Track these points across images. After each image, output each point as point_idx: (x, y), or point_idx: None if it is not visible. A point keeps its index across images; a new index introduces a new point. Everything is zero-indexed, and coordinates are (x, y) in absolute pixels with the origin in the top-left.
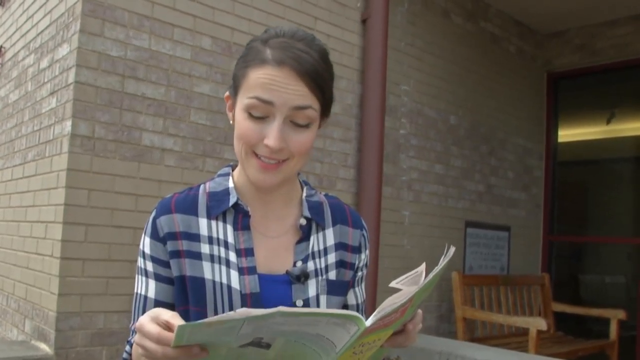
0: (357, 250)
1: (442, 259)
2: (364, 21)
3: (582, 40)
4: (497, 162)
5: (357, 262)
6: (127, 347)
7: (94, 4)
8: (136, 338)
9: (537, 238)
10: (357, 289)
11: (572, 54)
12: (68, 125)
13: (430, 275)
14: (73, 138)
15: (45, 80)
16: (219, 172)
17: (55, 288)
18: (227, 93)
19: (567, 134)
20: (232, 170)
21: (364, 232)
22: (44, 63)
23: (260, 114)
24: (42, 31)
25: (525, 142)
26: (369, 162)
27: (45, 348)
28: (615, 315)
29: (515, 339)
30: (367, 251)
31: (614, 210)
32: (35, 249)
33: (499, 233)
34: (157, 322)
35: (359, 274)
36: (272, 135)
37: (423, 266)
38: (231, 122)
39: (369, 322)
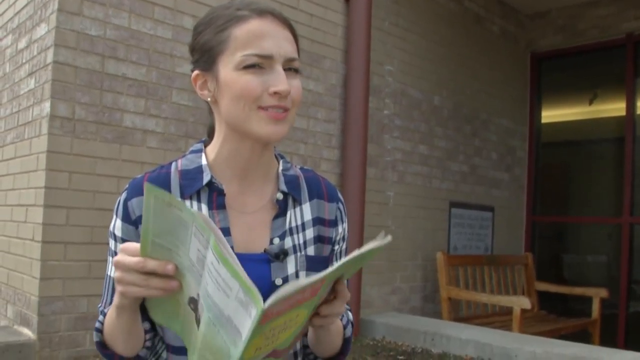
0: (334, 223)
1: (372, 242)
2: (347, 0)
3: (565, 21)
4: (480, 143)
5: (334, 236)
6: (100, 317)
7: None
8: (115, 268)
9: (521, 218)
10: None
11: (554, 35)
12: (47, 106)
13: (350, 256)
14: (52, 119)
15: (24, 61)
16: (190, 149)
17: (36, 272)
18: (195, 72)
19: (550, 115)
20: (205, 147)
21: (340, 204)
22: (22, 43)
23: (258, 68)
24: (19, 11)
25: (509, 123)
26: (353, 142)
27: (28, 333)
28: (598, 294)
29: (499, 318)
30: (345, 224)
31: (596, 190)
32: (16, 233)
33: (482, 213)
34: None
35: (336, 247)
36: (279, 80)
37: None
38: (208, 99)
39: (267, 304)
